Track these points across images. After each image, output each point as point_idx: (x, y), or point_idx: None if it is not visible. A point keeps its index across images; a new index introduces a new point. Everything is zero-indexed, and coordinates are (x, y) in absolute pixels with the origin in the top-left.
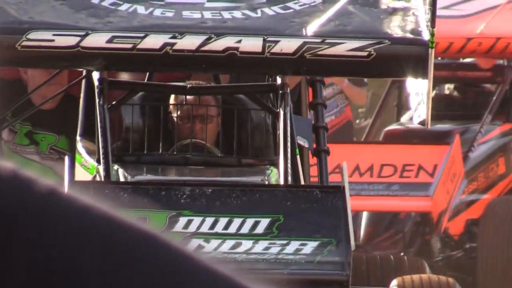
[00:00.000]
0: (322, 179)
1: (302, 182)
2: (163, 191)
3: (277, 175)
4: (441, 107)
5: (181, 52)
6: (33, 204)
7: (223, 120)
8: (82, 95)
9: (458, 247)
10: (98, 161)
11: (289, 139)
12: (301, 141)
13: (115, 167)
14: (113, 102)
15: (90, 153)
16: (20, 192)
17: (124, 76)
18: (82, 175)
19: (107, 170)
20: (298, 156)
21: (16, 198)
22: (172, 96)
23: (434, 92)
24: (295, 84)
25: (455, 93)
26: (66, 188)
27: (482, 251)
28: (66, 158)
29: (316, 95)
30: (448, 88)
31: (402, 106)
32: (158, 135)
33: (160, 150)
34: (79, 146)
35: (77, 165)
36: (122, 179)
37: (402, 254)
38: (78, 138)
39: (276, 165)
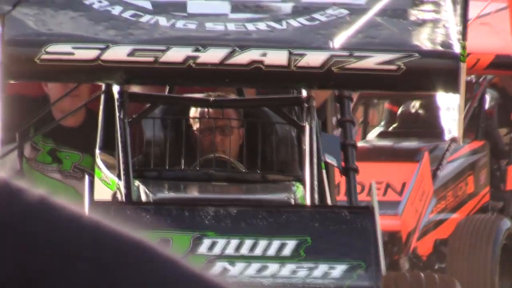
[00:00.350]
0: (351, 198)
1: (328, 199)
2: (187, 212)
3: (303, 192)
4: (409, 125)
5: (205, 66)
6: (23, 214)
7: (246, 133)
8: (101, 107)
9: (427, 267)
10: (119, 177)
11: (315, 154)
12: (329, 159)
13: (136, 183)
14: (134, 116)
15: (110, 167)
16: (10, 201)
17: (135, 89)
18: (102, 190)
19: (128, 187)
20: (324, 171)
21: (6, 207)
22: (193, 109)
23: (401, 109)
24: (321, 102)
25: (423, 110)
26: (86, 209)
27: (451, 272)
28: (86, 178)
29: (344, 112)
30: (416, 105)
31: (368, 123)
32: (179, 149)
33: (182, 165)
34: (99, 160)
35: (97, 180)
36: (143, 196)
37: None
38: (97, 152)
39: (301, 180)
